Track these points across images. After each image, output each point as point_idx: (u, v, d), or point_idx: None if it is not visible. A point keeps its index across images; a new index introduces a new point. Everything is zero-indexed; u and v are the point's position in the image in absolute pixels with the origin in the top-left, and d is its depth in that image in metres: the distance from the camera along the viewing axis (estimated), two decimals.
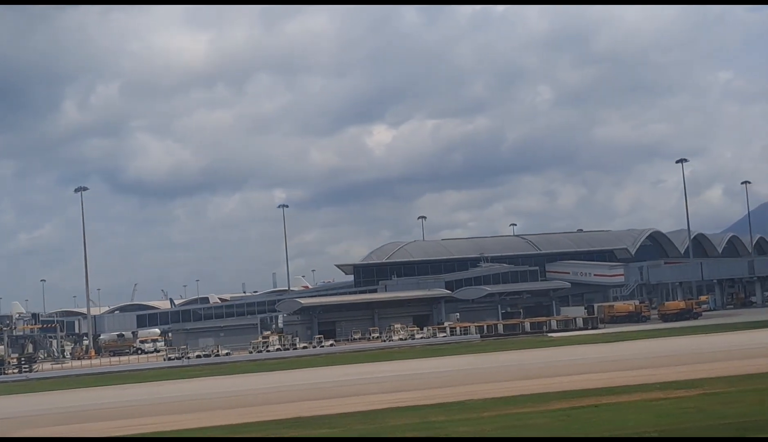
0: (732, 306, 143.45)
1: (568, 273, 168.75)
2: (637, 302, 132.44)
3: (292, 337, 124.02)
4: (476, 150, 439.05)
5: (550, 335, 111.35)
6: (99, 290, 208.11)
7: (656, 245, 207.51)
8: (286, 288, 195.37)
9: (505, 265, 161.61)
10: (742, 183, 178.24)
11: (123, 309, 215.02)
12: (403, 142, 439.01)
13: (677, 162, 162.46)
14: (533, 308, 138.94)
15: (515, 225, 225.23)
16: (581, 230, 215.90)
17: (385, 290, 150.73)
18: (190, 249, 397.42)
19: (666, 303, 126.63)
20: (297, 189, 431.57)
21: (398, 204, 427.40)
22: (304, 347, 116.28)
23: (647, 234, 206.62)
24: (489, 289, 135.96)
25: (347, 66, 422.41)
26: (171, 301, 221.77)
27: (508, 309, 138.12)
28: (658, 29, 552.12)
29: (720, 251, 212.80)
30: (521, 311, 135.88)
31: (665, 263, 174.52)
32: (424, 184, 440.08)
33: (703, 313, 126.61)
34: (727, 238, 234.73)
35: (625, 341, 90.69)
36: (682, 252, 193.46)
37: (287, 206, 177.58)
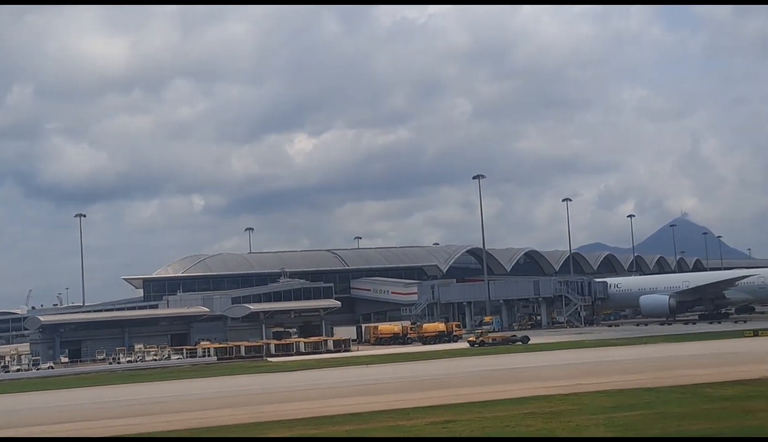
0: (518, 327, 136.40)
1: (369, 290, 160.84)
2: (407, 323, 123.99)
3: (32, 357, 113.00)
4: (396, 160, 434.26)
5: (269, 359, 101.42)
6: None
7: (533, 262, 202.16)
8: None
9: (301, 281, 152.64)
10: (628, 216, 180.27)
11: None
12: (324, 151, 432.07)
13: (563, 201, 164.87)
14: (312, 327, 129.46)
15: (359, 238, 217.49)
16: (436, 243, 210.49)
17: (168, 306, 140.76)
18: (106, 255, 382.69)
19: (425, 325, 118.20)
20: (216, 195, 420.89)
21: (318, 213, 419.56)
22: (50, 368, 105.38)
23: (523, 253, 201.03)
24: (252, 307, 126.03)
25: (267, 74, 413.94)
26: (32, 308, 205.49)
27: (281, 328, 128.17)
28: (574, 46, 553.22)
29: (595, 269, 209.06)
30: (295, 330, 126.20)
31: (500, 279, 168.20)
32: (344, 193, 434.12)
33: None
34: (603, 256, 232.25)
35: (330, 367, 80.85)
36: (557, 270, 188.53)
37: (84, 216, 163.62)
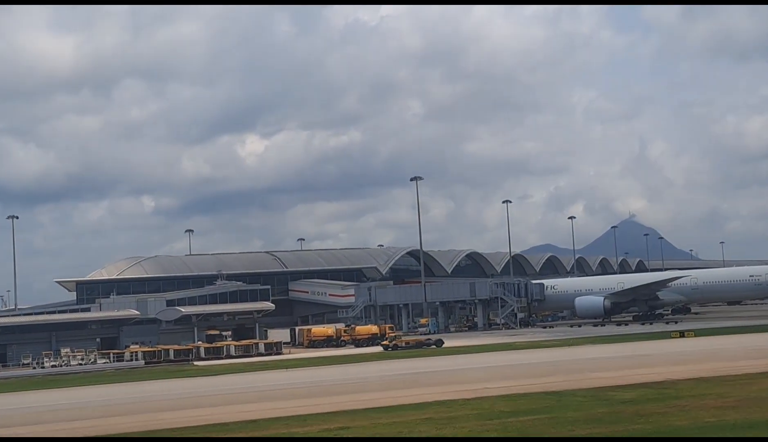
0: (455, 328, 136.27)
1: (307, 292, 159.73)
2: (341, 326, 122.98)
3: None
4: (348, 162, 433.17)
5: (196, 363, 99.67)
6: None
7: (475, 264, 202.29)
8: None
9: (237, 283, 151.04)
10: (569, 218, 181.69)
11: None
12: (276, 152, 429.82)
13: (503, 203, 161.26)
14: (246, 330, 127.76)
15: (303, 239, 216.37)
16: (381, 245, 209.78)
17: (100, 309, 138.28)
18: (53, 256, 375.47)
19: (357, 328, 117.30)
20: (167, 197, 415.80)
21: (270, 214, 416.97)
22: None
23: (465, 254, 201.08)
24: (184, 310, 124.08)
25: (219, 75, 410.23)
26: None
27: (214, 331, 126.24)
28: (525, 49, 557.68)
29: (537, 270, 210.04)
30: (229, 333, 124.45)
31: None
32: (296, 194, 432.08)
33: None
34: (545, 257, 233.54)
35: (254, 371, 79.28)
36: (499, 271, 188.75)
37: (17, 217, 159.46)
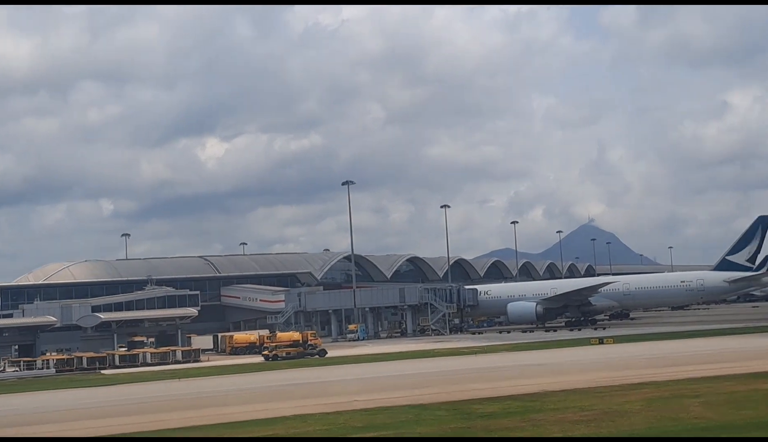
0: (385, 335, 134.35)
1: (239, 298, 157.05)
2: (265, 333, 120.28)
3: None
4: (309, 165, 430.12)
5: (104, 372, 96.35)
6: None
7: (417, 269, 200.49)
8: None
9: (167, 288, 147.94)
10: (511, 223, 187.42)
11: None
12: (236, 155, 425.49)
13: (441, 207, 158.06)
14: (168, 336, 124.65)
15: (245, 244, 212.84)
16: (327, 249, 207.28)
17: (23, 315, 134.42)
18: (10, 259, 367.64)
19: (279, 334, 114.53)
20: (125, 200, 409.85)
21: (230, 217, 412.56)
22: None
23: (404, 260, 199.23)
24: (103, 316, 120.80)
25: (178, 77, 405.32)
26: None
27: (137, 338, 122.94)
28: (484, 54, 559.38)
29: (482, 275, 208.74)
30: (152, 340, 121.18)
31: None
32: (256, 198, 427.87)
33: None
34: (490, 262, 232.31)
35: (152, 381, 76.31)
36: (441, 276, 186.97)
37: None
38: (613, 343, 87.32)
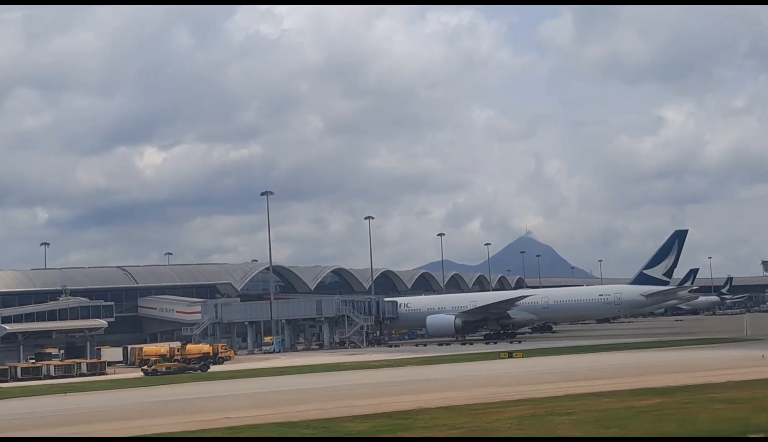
0: (303, 347, 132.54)
1: (156, 309, 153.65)
2: (176, 344, 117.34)
3: None
4: (248, 175, 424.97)
5: (1, 386, 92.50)
6: None
7: (343, 281, 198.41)
8: None
9: (81, 299, 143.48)
10: (438, 235, 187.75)
11: None
12: (174, 164, 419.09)
13: (365, 219, 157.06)
14: (77, 348, 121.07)
15: (170, 254, 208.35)
16: (255, 260, 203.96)
17: None
18: None
19: (188, 347, 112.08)
20: (61, 208, 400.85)
21: (168, 227, 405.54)
22: None
23: (329, 271, 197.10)
24: (8, 328, 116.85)
25: (116, 85, 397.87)
26: None
27: (44, 350, 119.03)
28: (423, 66, 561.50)
29: (409, 288, 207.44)
30: (62, 351, 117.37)
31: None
32: (195, 207, 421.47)
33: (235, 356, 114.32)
34: (418, 274, 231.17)
35: (38, 396, 72.98)
36: (367, 288, 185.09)
37: None
38: (522, 357, 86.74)
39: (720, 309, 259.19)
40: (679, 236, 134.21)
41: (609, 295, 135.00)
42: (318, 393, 55.42)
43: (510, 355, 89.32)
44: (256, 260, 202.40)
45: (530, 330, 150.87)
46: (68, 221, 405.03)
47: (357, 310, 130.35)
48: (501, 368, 73.01)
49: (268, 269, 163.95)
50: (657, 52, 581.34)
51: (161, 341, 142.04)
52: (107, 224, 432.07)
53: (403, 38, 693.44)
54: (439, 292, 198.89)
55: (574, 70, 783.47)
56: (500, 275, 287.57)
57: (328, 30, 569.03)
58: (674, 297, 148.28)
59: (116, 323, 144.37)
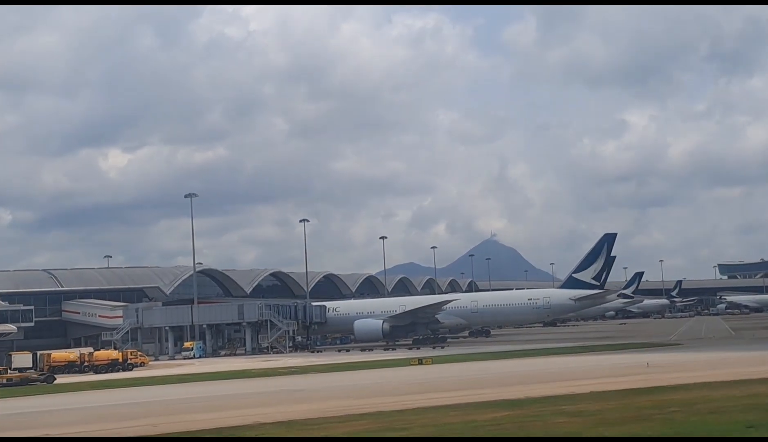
0: (225, 353, 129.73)
1: (79, 313, 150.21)
2: (86, 350, 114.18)
3: None
4: (213, 177, 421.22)
5: None
6: None
7: (283, 285, 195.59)
8: None
9: (1, 303, 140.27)
10: (380, 238, 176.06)
11: None
12: (139, 166, 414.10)
13: (300, 222, 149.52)
14: None
15: (110, 257, 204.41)
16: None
17: None
18: None
19: (96, 353, 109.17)
20: (24, 210, 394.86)
21: (133, 229, 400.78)
22: None
23: (267, 274, 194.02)
24: None
25: (80, 87, 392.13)
26: None
27: None
28: (388, 68, 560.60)
29: (353, 291, 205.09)
30: None
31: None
32: (159, 209, 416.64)
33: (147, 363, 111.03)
34: (364, 277, 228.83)
35: None
36: (308, 292, 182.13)
37: None
38: (431, 364, 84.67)
39: (670, 312, 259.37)
40: (608, 240, 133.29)
41: (538, 299, 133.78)
42: (162, 407, 52.62)
43: (420, 361, 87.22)
44: (201, 263, 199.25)
45: (467, 334, 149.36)
46: (32, 222, 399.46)
47: (282, 314, 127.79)
48: (393, 376, 70.81)
49: (200, 272, 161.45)
50: (618, 56, 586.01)
51: (85, 346, 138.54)
52: (71, 225, 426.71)
53: (368, 41, 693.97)
54: (384, 296, 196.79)
55: (538, 74, 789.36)
56: (451, 278, 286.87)
57: (293, 32, 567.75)
58: (602, 301, 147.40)
59: (40, 327, 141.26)
